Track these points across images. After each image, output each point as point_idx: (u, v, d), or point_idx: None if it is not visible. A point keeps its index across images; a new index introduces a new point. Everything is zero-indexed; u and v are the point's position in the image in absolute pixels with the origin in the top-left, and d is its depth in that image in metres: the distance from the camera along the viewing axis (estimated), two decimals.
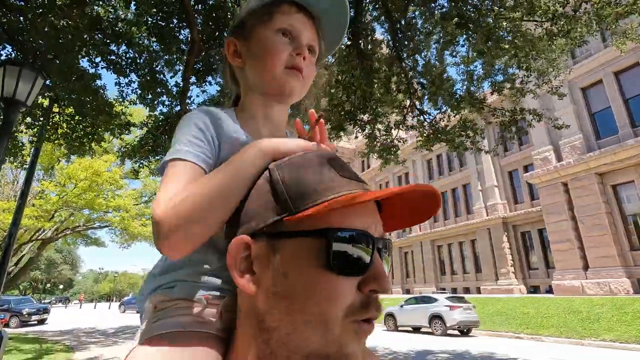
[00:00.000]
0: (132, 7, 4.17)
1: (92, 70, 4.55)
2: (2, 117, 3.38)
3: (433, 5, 5.05)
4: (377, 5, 5.32)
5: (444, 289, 26.38)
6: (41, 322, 18.15)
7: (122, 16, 4.37)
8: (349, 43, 5.26)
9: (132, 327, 16.12)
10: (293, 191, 0.44)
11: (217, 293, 0.55)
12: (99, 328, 16.00)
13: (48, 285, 71.41)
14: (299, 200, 0.43)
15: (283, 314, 0.41)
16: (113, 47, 4.61)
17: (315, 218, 0.41)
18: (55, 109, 5.79)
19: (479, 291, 25.06)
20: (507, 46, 4.51)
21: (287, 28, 0.66)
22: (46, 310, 19.09)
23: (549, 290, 18.55)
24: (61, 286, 76.82)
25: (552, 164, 18.13)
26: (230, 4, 4.06)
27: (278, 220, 0.43)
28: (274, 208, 0.44)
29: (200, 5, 4.25)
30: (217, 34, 4.31)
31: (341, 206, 0.40)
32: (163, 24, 4.18)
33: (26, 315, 17.14)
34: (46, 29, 4.07)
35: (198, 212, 0.48)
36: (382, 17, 5.43)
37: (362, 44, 5.31)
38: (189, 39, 4.18)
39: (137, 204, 15.13)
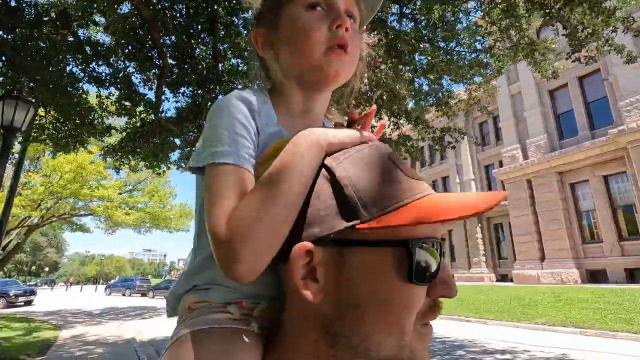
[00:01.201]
0: (109, 37, 4.84)
1: (77, 85, 5.23)
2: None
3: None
4: None
5: None
6: (28, 303, 18.84)
7: (101, 42, 5.04)
8: None
9: (117, 309, 16.94)
10: (363, 195, 0.41)
11: (251, 300, 0.51)
12: (85, 309, 16.79)
13: (33, 267, 71.38)
14: (372, 206, 0.40)
15: (354, 322, 0.40)
16: (94, 65, 5.28)
17: (388, 229, 0.39)
18: (41, 113, 6.42)
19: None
20: (436, 74, 5.32)
21: (319, 1, 0.56)
22: (33, 292, 19.78)
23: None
24: (47, 269, 76.85)
25: (518, 162, 19.26)
26: (193, 43, 4.78)
27: (348, 227, 0.40)
28: (342, 213, 0.41)
29: (168, 39, 4.95)
30: (185, 59, 5.03)
31: (430, 221, 0.38)
32: (138, 48, 4.86)
33: (13, 297, 17.79)
34: (33, 47, 4.73)
35: (269, 226, 0.43)
36: None
37: None
38: (160, 63, 4.90)
39: (121, 193, 15.79)
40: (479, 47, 5.23)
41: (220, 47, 5.06)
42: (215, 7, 4.25)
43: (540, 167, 17.90)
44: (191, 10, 4.38)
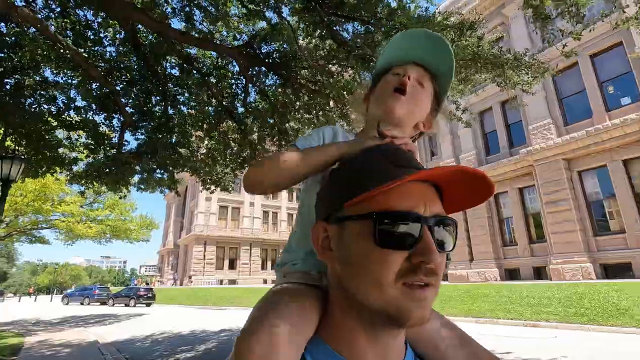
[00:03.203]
0: (80, 100, 6.12)
1: (51, 132, 6.40)
2: None
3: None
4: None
5: None
6: None
7: (73, 104, 6.29)
8: None
9: (77, 317, 17.38)
10: (350, 182, 0.55)
11: (326, 270, 0.64)
12: (44, 319, 17.12)
13: None
14: (354, 190, 0.52)
15: (350, 278, 0.52)
16: (66, 116, 6.49)
17: (365, 204, 0.50)
18: (9, 143, 7.45)
19: None
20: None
21: (399, 71, 0.82)
22: None
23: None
24: None
25: None
26: (150, 106, 6.11)
27: (341, 207, 0.54)
28: (339, 197, 0.54)
29: (128, 99, 6.28)
30: (144, 116, 6.40)
31: (379, 192, 0.49)
32: (105, 108, 6.15)
33: None
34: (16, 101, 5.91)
35: (275, 167, 0.71)
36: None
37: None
38: (122, 119, 6.21)
39: (82, 206, 16.37)
40: None
41: (170, 110, 6.47)
42: (166, 85, 5.63)
43: None
44: (148, 86, 5.76)
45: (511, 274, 18.36)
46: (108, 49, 5.80)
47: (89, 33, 5.15)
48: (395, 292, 0.48)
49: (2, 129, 6.22)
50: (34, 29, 4.60)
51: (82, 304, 28.79)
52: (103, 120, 6.66)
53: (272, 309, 0.56)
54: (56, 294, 54.10)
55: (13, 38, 4.87)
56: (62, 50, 4.65)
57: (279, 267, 0.76)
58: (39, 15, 5.04)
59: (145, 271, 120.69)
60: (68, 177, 8.66)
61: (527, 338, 7.90)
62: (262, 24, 6.77)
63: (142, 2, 5.12)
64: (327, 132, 0.80)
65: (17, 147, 7.46)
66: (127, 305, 25.24)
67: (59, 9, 4.95)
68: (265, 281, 39.88)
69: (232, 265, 40.13)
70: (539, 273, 17.20)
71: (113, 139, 7.23)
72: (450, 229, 0.53)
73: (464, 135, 21.72)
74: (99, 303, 28.15)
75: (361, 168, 0.56)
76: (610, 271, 14.47)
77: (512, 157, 18.53)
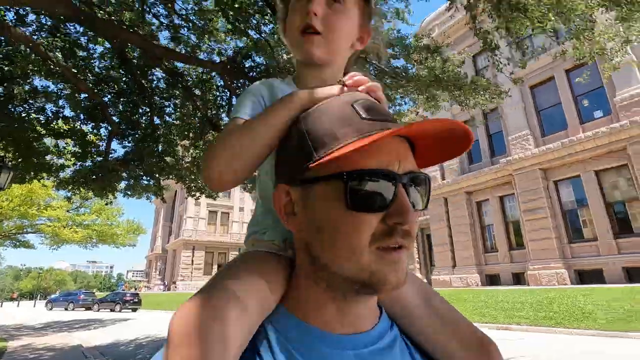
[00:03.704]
0: (68, 110, 6.41)
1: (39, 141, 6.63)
2: None
3: None
4: None
5: None
6: None
7: (62, 114, 6.55)
8: None
9: (61, 322, 17.31)
10: (314, 140, 0.49)
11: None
12: (27, 324, 17.02)
13: None
14: (320, 148, 0.47)
15: (320, 245, 0.48)
16: (54, 124, 6.74)
17: (333, 163, 0.45)
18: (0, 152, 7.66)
19: None
20: None
21: None
22: None
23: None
24: None
25: (437, 182, 22.34)
26: (137, 117, 6.43)
27: (306, 168, 0.48)
28: (302, 157, 0.49)
29: (115, 110, 6.58)
30: (130, 126, 6.68)
31: (348, 152, 0.43)
32: (93, 118, 6.43)
33: None
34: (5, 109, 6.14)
35: (229, 149, 0.56)
36: None
37: None
38: (109, 128, 6.49)
39: (68, 211, 16.40)
40: None
41: (157, 121, 6.79)
42: (152, 97, 5.95)
43: (453, 187, 21.03)
44: (135, 98, 6.07)
45: (492, 280, 18.88)
46: (96, 63, 6.09)
47: (78, 50, 5.45)
48: (370, 257, 0.45)
49: None
50: (25, 47, 4.88)
51: (66, 309, 28.46)
52: (91, 130, 6.92)
53: (230, 272, 0.53)
54: (40, 299, 53.09)
55: (4, 51, 5.13)
56: (52, 66, 4.93)
57: (247, 239, 0.70)
58: (29, 31, 5.32)
59: (133, 276, 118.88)
60: (55, 183, 8.87)
61: (496, 340, 8.30)
62: (246, 39, 7.15)
63: (130, 20, 5.43)
64: (264, 90, 0.67)
65: (5, 154, 7.67)
66: (112, 310, 25.08)
67: (49, 23, 5.24)
68: None
69: None
70: (518, 279, 17.74)
71: (100, 147, 7.48)
72: (424, 185, 0.50)
73: None
74: (83, 308, 27.88)
75: (328, 122, 0.50)
76: (584, 277, 15.05)
77: (493, 166, 19.17)
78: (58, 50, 5.01)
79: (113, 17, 5.19)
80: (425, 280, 22.58)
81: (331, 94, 0.56)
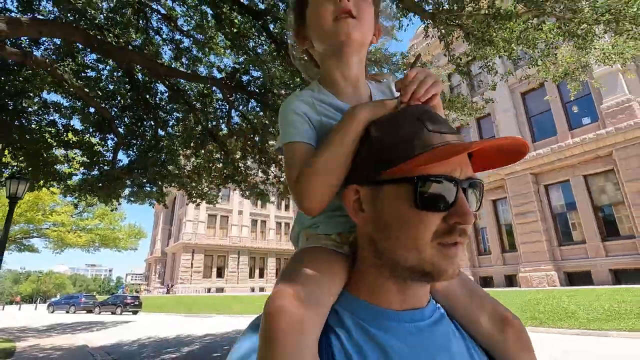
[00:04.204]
0: (78, 122, 6.86)
1: (50, 151, 7.08)
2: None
3: None
4: None
5: None
6: None
7: (72, 127, 7.03)
8: None
9: (64, 324, 17.68)
10: (388, 149, 0.55)
11: (347, 229, 0.68)
12: (31, 326, 17.38)
13: None
14: (394, 157, 0.53)
15: (386, 240, 0.54)
16: (64, 136, 7.20)
17: (404, 169, 0.52)
18: (13, 162, 8.11)
19: None
20: None
21: None
22: None
23: None
24: None
25: None
26: (142, 131, 6.90)
27: (378, 172, 0.55)
28: (374, 162, 0.56)
29: (121, 123, 7.06)
30: (135, 138, 7.16)
31: (425, 164, 0.51)
32: (100, 131, 6.89)
33: None
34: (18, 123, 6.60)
35: (321, 176, 0.61)
36: None
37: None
38: (116, 140, 6.96)
39: (72, 216, 16.84)
40: None
41: (160, 132, 7.26)
42: (156, 111, 6.41)
43: None
44: (140, 112, 6.53)
45: (486, 282, 19.31)
46: (104, 81, 6.57)
47: (88, 71, 5.92)
48: (431, 251, 0.51)
49: (2, 145, 6.90)
50: (44, 70, 5.34)
51: (67, 312, 28.81)
52: (98, 141, 7.38)
53: (298, 269, 0.58)
54: (39, 302, 53.35)
55: (25, 74, 5.60)
56: (66, 87, 5.39)
57: (299, 232, 0.75)
58: (37, 52, 5.79)
59: (132, 279, 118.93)
60: (62, 190, 9.31)
61: None
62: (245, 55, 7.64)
63: (136, 46, 5.93)
64: (304, 107, 0.71)
65: (17, 163, 8.12)
66: (113, 313, 25.43)
67: (68, 53, 5.72)
68: (252, 289, 40.22)
69: (220, 274, 40.40)
70: (511, 281, 18.18)
71: (107, 156, 7.94)
72: (479, 189, 0.56)
73: None
74: (85, 311, 28.24)
75: (397, 134, 0.56)
76: (573, 279, 15.50)
77: (486, 171, 19.60)
78: (71, 72, 5.48)
79: (121, 39, 5.66)
80: None
81: (390, 108, 0.63)
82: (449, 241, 0.51)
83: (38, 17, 5.01)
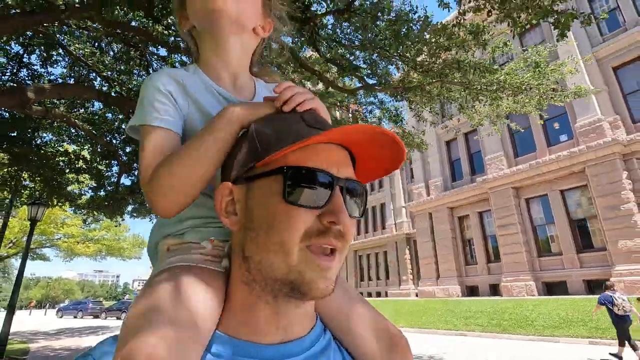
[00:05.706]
0: (88, 151, 8.08)
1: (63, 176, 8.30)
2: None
3: None
4: None
5: (361, 293, 31.15)
6: None
7: (83, 154, 8.26)
8: None
9: (72, 329, 18.84)
10: (263, 141, 0.51)
11: (222, 237, 0.60)
12: (41, 330, 18.58)
13: None
14: (267, 149, 0.50)
15: (253, 245, 0.48)
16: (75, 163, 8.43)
17: (277, 161, 0.48)
18: (25, 178, 9.31)
19: (386, 295, 30.14)
20: None
21: None
22: None
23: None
24: None
25: (423, 198, 23.75)
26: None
27: (252, 166, 0.50)
28: (250, 157, 0.51)
29: (124, 152, 8.29)
30: (136, 163, 8.38)
31: (295, 148, 0.46)
32: (107, 155, 8.11)
33: None
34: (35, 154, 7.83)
35: (181, 178, 0.54)
36: None
37: None
38: (119, 166, 8.18)
39: (81, 227, 18.16)
40: None
41: None
42: None
43: (437, 203, 22.40)
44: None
45: (472, 291, 20.10)
46: (110, 122, 7.81)
47: (96, 118, 7.17)
48: (300, 256, 0.46)
49: (22, 171, 8.13)
50: (60, 121, 6.56)
51: (75, 317, 30.08)
52: (105, 168, 8.60)
53: (161, 304, 0.47)
54: (48, 307, 54.85)
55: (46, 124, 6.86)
56: (80, 131, 6.58)
57: (157, 242, 0.65)
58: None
59: (139, 285, 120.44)
60: (72, 206, 10.53)
61: (459, 345, 9.65)
62: None
63: (135, 92, 7.15)
64: (169, 84, 0.63)
65: (34, 185, 9.36)
66: (119, 318, 26.57)
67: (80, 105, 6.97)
68: None
69: None
70: (495, 290, 18.95)
71: (112, 179, 9.15)
72: (361, 195, 0.53)
73: (434, 162, 23.80)
74: (92, 316, 29.49)
75: (276, 128, 0.53)
76: (551, 288, 16.27)
77: (472, 184, 20.57)
78: (82, 119, 6.68)
79: (124, 88, 6.85)
80: (416, 291, 23.48)
81: (267, 112, 0.59)
82: (323, 243, 0.47)
83: (59, 80, 6.22)
